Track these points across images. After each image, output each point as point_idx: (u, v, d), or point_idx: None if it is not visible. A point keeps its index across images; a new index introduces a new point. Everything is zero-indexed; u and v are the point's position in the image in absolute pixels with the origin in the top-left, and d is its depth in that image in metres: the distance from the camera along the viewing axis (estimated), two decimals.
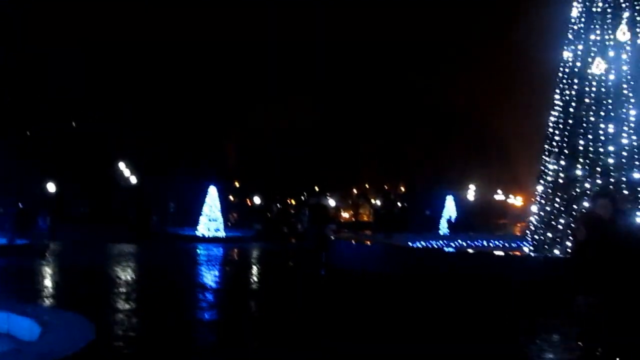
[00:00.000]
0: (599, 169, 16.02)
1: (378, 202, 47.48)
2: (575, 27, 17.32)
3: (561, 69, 17.60)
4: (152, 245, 26.45)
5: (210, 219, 30.62)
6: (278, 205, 42.35)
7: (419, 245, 20.76)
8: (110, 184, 41.28)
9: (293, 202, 48.26)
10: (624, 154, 15.85)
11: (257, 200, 46.65)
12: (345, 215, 53.06)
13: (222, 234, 30.73)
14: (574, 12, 17.49)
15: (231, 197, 44.46)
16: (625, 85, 16.16)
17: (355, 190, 54.63)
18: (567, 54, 17.48)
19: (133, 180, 42.39)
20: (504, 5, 37.78)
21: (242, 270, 19.99)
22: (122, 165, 42.17)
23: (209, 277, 17.55)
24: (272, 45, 41.66)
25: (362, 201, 53.91)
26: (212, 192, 30.86)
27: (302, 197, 46.79)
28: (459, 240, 22.76)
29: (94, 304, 10.89)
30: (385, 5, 43.87)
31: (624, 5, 16.44)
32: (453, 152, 43.62)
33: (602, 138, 16.18)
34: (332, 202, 42.48)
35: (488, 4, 39.23)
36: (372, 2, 44.49)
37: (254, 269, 20.68)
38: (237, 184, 48.90)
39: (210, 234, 30.28)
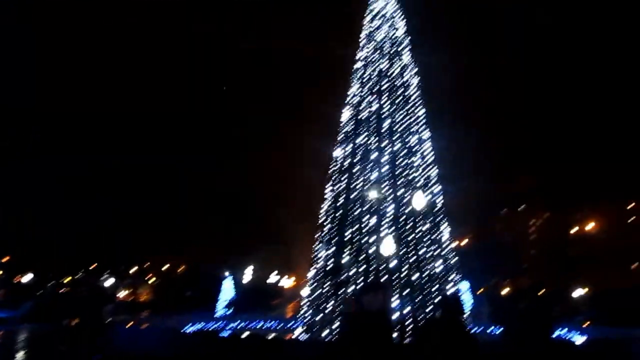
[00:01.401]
0: (362, 257, 17.05)
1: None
2: (345, 130, 18.70)
3: (332, 165, 18.73)
4: None
5: None
6: (52, 283, 38.93)
7: (196, 329, 20.12)
8: None
9: (69, 280, 44.56)
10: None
11: (28, 277, 42.28)
12: (123, 294, 50.10)
13: None
14: (345, 117, 18.94)
15: None
16: (383, 185, 17.63)
17: (134, 269, 52.10)
18: (337, 153, 18.70)
19: None
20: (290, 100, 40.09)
21: (3, 357, 17.62)
22: None
23: None
24: None
25: (141, 280, 51.50)
26: None
27: (79, 276, 43.51)
28: (235, 322, 22.49)
29: None
30: None
31: (383, 115, 18.22)
32: (233, 234, 43.86)
33: (365, 229, 17.34)
34: (110, 281, 40.05)
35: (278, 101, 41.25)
36: None
37: (19, 355, 18.35)
38: (4, 259, 44.01)
39: None
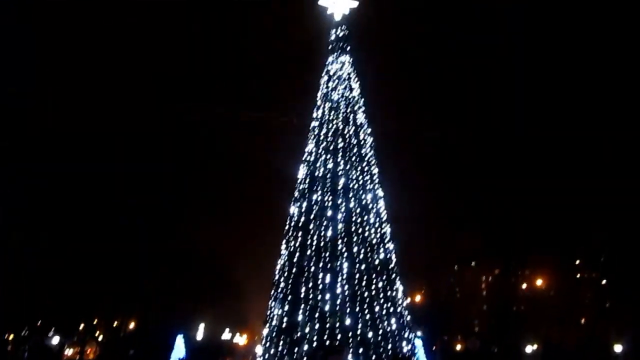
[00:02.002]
0: (316, 315, 16.78)
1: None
2: (301, 187, 18.72)
3: (288, 222, 18.63)
4: None
5: None
6: None
7: None
8: None
9: (12, 337, 42.37)
10: (338, 301, 16.90)
11: None
12: (69, 351, 48.05)
13: None
14: (300, 174, 19.01)
15: None
16: (339, 241, 17.58)
17: (82, 325, 49.94)
18: (293, 209, 18.65)
19: None
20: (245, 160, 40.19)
21: None
22: None
23: None
24: None
25: (89, 337, 49.37)
26: None
27: (23, 333, 41.38)
28: None
29: None
30: None
31: (340, 173, 18.37)
32: (185, 291, 42.76)
33: (320, 286, 17.14)
34: (55, 339, 38.41)
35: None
36: None
37: None
38: None
39: None
